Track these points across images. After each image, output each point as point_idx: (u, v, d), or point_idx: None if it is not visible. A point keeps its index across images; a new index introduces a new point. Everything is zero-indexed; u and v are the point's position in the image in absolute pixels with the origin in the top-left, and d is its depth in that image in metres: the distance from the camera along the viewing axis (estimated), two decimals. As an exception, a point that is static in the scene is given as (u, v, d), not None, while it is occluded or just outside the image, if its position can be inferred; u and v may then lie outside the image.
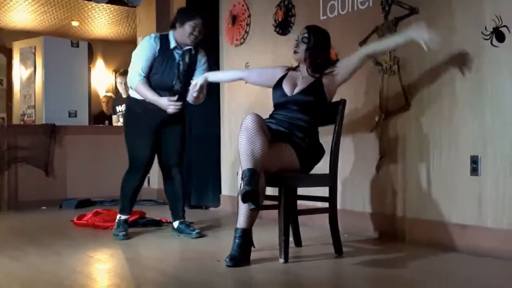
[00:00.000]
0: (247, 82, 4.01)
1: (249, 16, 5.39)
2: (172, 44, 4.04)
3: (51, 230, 4.65)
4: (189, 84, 3.96)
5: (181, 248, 3.90)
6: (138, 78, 3.96)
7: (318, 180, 3.53)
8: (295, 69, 3.62)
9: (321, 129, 3.60)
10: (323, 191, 3.49)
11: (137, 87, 3.96)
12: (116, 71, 8.62)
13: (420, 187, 3.76)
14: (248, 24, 5.40)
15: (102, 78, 9.39)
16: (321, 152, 3.45)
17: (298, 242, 3.68)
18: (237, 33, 5.53)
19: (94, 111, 8.20)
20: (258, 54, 5.28)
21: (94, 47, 8.50)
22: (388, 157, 3.98)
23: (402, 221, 3.87)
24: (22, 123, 6.99)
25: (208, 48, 5.78)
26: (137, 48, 4.16)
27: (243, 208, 3.08)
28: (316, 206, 3.85)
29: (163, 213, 5.24)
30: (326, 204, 3.47)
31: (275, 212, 3.29)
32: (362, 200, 4.17)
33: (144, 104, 4.03)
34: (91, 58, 8.03)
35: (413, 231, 3.79)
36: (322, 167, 3.50)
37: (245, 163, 3.02)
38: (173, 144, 4.21)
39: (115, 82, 8.58)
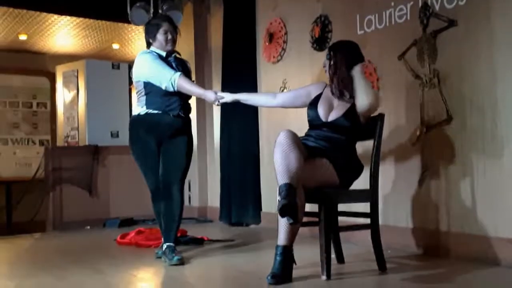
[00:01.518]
0: (279, 107, 4.03)
1: (285, 33, 5.42)
2: (163, 53, 4.01)
3: (95, 249, 4.72)
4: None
5: (223, 266, 3.91)
6: (175, 74, 3.83)
7: (359, 196, 3.50)
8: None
9: (361, 144, 3.58)
10: (365, 207, 3.46)
11: (179, 83, 3.81)
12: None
13: (464, 201, 3.69)
14: (285, 41, 5.43)
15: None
16: (360, 167, 3.41)
17: (340, 259, 3.65)
18: (274, 51, 5.57)
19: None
20: (295, 71, 5.30)
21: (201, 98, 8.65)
22: (431, 171, 3.92)
23: (446, 236, 3.80)
24: (66, 144, 7.14)
25: (246, 65, 5.89)
26: (142, 63, 3.94)
27: (282, 224, 3.08)
28: (357, 222, 3.81)
29: (204, 231, 5.29)
30: (368, 220, 3.43)
31: (316, 229, 3.28)
32: (404, 215, 4.11)
33: (141, 121, 3.94)
34: (131, 79, 8.16)
35: (457, 246, 3.71)
36: (362, 182, 3.47)
37: (281, 178, 3.02)
38: (177, 160, 4.01)
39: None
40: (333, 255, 3.47)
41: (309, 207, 3.26)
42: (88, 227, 6.20)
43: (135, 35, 7.91)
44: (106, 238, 5.27)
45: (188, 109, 4.09)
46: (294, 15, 5.32)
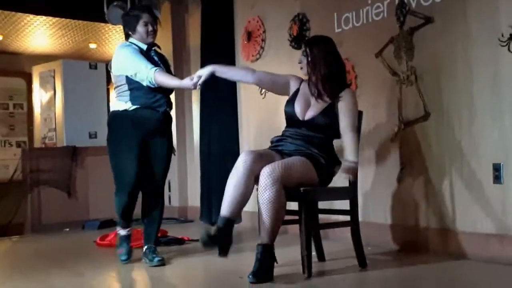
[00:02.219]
0: (256, 85, 3.97)
1: (264, 31, 5.43)
2: (143, 46, 3.88)
3: (75, 251, 4.69)
4: None
5: (204, 266, 3.91)
6: (150, 71, 3.69)
7: (339, 193, 3.53)
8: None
9: (339, 141, 3.60)
10: (344, 204, 3.48)
11: (157, 80, 3.69)
12: (134, 91, 8.73)
13: (443, 197, 3.73)
14: (263, 40, 5.43)
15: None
16: (338, 165, 3.41)
17: (321, 257, 3.67)
18: (252, 49, 5.56)
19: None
20: (274, 69, 5.25)
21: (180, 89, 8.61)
22: (409, 167, 3.96)
23: (425, 232, 3.84)
24: (43, 146, 7.09)
25: (223, 64, 5.85)
26: (122, 57, 3.82)
27: (264, 224, 3.09)
28: (337, 219, 3.84)
29: (185, 231, 5.28)
30: (347, 217, 3.45)
31: (296, 227, 3.29)
32: (383, 211, 4.15)
33: (127, 116, 3.80)
34: (108, 78, 8.13)
35: (436, 242, 3.75)
36: (341, 179, 3.49)
37: (224, 209, 3.13)
38: (163, 162, 3.96)
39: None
40: (314, 253, 3.49)
41: (291, 205, 3.26)
42: (67, 229, 6.15)
43: (112, 35, 7.86)
44: (86, 240, 5.24)
45: (171, 104, 4.03)
46: (272, 13, 5.32)
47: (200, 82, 3.56)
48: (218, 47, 5.96)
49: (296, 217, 3.28)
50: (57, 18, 7.04)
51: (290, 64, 5.06)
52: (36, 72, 7.59)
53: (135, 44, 3.88)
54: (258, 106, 5.49)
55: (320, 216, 3.60)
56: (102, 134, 7.16)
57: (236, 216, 3.14)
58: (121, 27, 6.92)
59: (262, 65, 5.45)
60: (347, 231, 3.46)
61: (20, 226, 6.30)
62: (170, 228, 5.37)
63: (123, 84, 3.83)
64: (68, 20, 7.09)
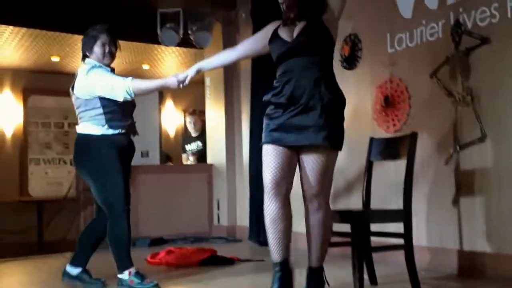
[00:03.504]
0: (242, 58, 3.59)
1: (315, 52, 5.42)
2: (107, 69, 3.76)
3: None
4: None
5: (254, 284, 3.88)
6: (126, 80, 3.58)
7: (392, 216, 3.45)
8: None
9: (393, 164, 3.54)
10: (397, 227, 3.41)
11: (135, 87, 3.57)
12: (185, 111, 8.84)
13: (499, 221, 3.62)
14: (314, 60, 5.42)
15: (172, 118, 9.62)
16: (344, 102, 3.05)
17: (373, 280, 3.59)
18: (303, 70, 5.56)
19: (167, 149, 8.41)
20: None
21: (164, 88, 8.75)
22: (465, 190, 3.86)
23: (481, 257, 3.72)
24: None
25: (272, 85, 5.88)
26: (94, 77, 3.65)
27: (317, 247, 3.05)
28: (390, 242, 3.76)
29: (234, 250, 5.27)
30: (400, 240, 3.38)
31: (348, 249, 3.24)
32: (438, 235, 4.05)
33: (108, 140, 3.66)
34: (161, 99, 8.27)
35: (493, 267, 3.63)
36: (395, 202, 3.43)
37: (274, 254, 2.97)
38: (129, 181, 3.84)
39: (184, 122, 8.77)
40: (365, 276, 3.42)
41: (341, 227, 3.22)
42: (119, 246, 6.21)
43: (165, 56, 8.00)
44: (137, 257, 5.26)
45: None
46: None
47: (186, 81, 3.41)
48: (269, 67, 5.96)
49: (348, 239, 3.23)
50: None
51: (342, 84, 5.01)
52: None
53: (99, 66, 3.73)
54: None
55: (373, 238, 3.53)
56: (153, 153, 7.29)
57: (288, 254, 2.99)
58: (174, 48, 7.06)
59: (313, 85, 5.45)
60: (399, 254, 3.39)
61: (73, 243, 6.40)
62: (219, 247, 5.38)
63: (96, 108, 3.65)
64: (123, 42, 7.25)
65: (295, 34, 3.02)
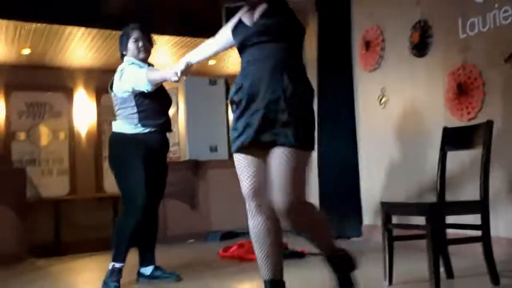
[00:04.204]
0: (221, 50, 3.12)
1: (383, 40, 5.33)
2: (144, 65, 3.83)
3: (200, 262, 4.81)
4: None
5: (324, 280, 3.87)
6: (144, 70, 3.68)
7: (469, 207, 3.35)
8: None
9: (469, 153, 3.43)
10: (473, 218, 3.31)
11: (149, 76, 3.60)
12: (252, 105, 8.87)
13: None
14: (382, 49, 5.33)
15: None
16: (312, 95, 2.65)
17: (449, 273, 3.50)
18: (371, 59, 5.48)
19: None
20: (394, 78, 5.20)
21: (230, 83, 8.81)
22: (546, 179, 3.70)
23: None
24: (168, 160, 7.37)
25: (342, 74, 5.84)
26: (126, 74, 3.76)
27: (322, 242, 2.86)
28: (467, 234, 3.65)
29: (305, 244, 5.25)
30: (478, 232, 3.27)
31: (422, 242, 3.17)
32: (517, 226, 3.90)
33: (137, 140, 3.75)
34: (228, 93, 8.31)
35: None
36: (472, 192, 3.32)
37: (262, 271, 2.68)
38: (160, 180, 3.90)
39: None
40: (442, 269, 3.34)
41: (416, 220, 3.16)
42: (191, 240, 6.34)
43: (230, 50, 8.03)
44: (209, 251, 5.37)
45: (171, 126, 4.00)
46: (392, 21, 5.22)
47: (179, 74, 3.13)
48: (335, 58, 5.93)
49: (423, 232, 3.16)
50: (179, 37, 7.30)
51: (411, 73, 4.94)
52: (160, 89, 7.92)
53: (133, 63, 3.83)
54: (378, 117, 5.39)
55: (448, 230, 3.44)
56: (222, 148, 7.37)
57: (281, 273, 2.74)
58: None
59: (380, 74, 5.37)
60: (476, 246, 3.28)
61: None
62: (290, 241, 5.37)
63: (130, 106, 3.76)
64: (189, 38, 7.34)
65: (255, 17, 2.68)
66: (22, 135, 8.14)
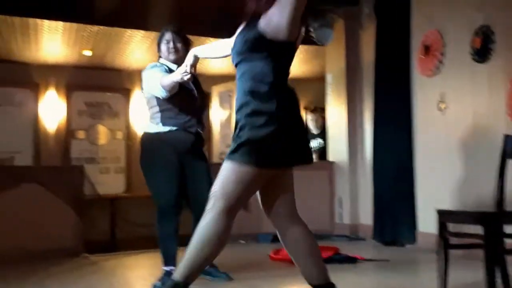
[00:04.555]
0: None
1: (443, 45, 5.23)
2: (173, 66, 3.86)
3: (250, 263, 4.85)
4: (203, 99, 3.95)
5: (377, 285, 3.83)
6: (159, 77, 3.67)
7: (529, 217, 3.25)
8: None
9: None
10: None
11: (162, 83, 3.61)
12: (306, 108, 8.85)
13: None
14: (442, 54, 5.24)
15: (293, 116, 9.68)
16: (270, 113, 2.50)
17: (506, 285, 3.40)
18: (430, 64, 5.38)
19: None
20: (454, 84, 5.10)
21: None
22: None
23: None
24: (221, 162, 7.43)
25: (399, 79, 5.77)
26: (146, 76, 3.85)
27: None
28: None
29: (357, 249, 5.22)
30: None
31: (479, 252, 3.10)
32: None
33: (160, 139, 3.79)
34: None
35: None
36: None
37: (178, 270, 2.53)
38: (200, 181, 3.84)
39: (305, 119, 8.80)
40: (498, 280, 3.25)
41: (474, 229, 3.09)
42: (243, 241, 6.38)
43: (300, 53, 8.04)
44: (260, 253, 5.39)
45: (203, 125, 3.98)
46: (452, 26, 5.12)
47: (187, 69, 3.17)
48: (393, 62, 5.87)
49: (480, 241, 3.09)
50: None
51: (472, 78, 4.84)
52: (216, 92, 8.05)
53: (165, 65, 3.89)
54: (436, 123, 5.30)
55: (507, 240, 3.34)
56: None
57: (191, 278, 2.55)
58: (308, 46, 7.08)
59: (440, 79, 5.28)
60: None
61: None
62: (342, 245, 5.35)
63: (154, 106, 3.84)
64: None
65: (236, 34, 2.72)
66: (81, 134, 8.38)
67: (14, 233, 5.23)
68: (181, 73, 3.28)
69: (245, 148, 2.49)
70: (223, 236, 2.57)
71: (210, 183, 3.73)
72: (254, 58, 2.55)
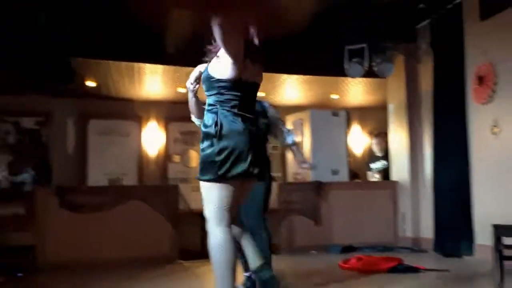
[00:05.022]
0: None
1: (495, 75, 5.07)
2: None
3: (321, 272, 4.81)
4: None
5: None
6: None
7: None
8: None
9: None
10: None
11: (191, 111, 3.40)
12: (370, 133, 8.75)
13: None
14: (495, 83, 5.08)
15: (357, 140, 9.60)
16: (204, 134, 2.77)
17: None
18: (484, 93, 5.23)
19: (355, 168, 8.40)
20: (507, 111, 4.92)
21: (351, 114, 8.79)
22: None
23: None
24: (294, 181, 7.48)
25: (455, 107, 5.63)
26: None
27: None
28: None
29: (419, 260, 5.08)
30: None
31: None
32: None
33: None
34: (348, 124, 8.32)
35: None
36: None
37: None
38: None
39: (370, 143, 8.69)
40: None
41: None
42: (314, 251, 6.35)
43: (351, 86, 8.02)
44: (330, 262, 5.35)
45: None
46: (505, 58, 4.97)
47: (191, 80, 3.13)
48: (450, 91, 5.75)
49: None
50: (306, 76, 7.42)
51: None
52: (289, 121, 8.09)
53: None
54: (490, 145, 5.13)
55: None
56: (342, 171, 7.35)
57: None
58: (359, 79, 7.08)
59: (493, 107, 5.13)
60: None
61: (277, 247, 6.67)
62: (405, 256, 5.22)
63: None
64: (314, 76, 7.43)
65: None
66: (176, 158, 8.64)
67: (122, 241, 5.47)
68: (190, 91, 3.17)
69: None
70: (225, 246, 2.66)
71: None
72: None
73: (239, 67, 2.64)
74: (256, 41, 2.74)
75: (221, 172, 2.60)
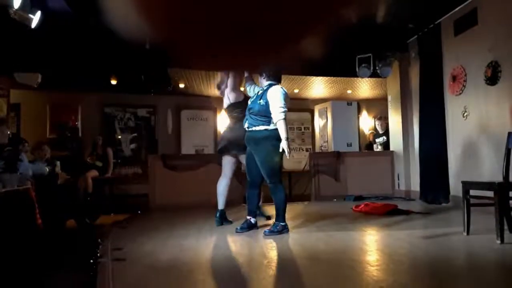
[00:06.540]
0: None
1: (465, 75, 4.92)
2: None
3: (339, 214, 4.82)
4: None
5: (423, 226, 3.74)
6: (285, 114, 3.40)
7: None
8: None
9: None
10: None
11: (283, 121, 3.39)
12: (375, 117, 8.62)
13: None
14: (465, 80, 4.93)
15: (366, 122, 9.47)
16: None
17: (511, 230, 3.20)
18: (456, 87, 5.09)
19: (363, 142, 8.34)
20: (473, 100, 4.79)
21: (360, 104, 8.68)
22: None
23: None
24: (321, 151, 7.50)
25: (436, 98, 5.49)
26: (280, 94, 3.45)
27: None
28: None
29: (409, 206, 5.07)
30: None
31: (492, 208, 2.95)
32: None
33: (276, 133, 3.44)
34: (359, 111, 8.22)
35: None
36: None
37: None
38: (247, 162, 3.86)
39: (374, 124, 8.59)
40: (505, 227, 3.07)
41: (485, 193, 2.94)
42: (335, 200, 6.41)
43: (361, 83, 7.92)
44: (346, 207, 5.41)
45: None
46: (471, 62, 4.80)
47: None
48: (432, 87, 5.60)
49: (492, 202, 2.94)
50: (328, 77, 7.38)
51: (485, 97, 4.52)
52: (317, 109, 8.10)
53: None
54: (461, 125, 5.01)
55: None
56: (354, 144, 7.32)
57: None
58: (367, 78, 6.95)
59: (463, 97, 4.98)
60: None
61: (308, 196, 6.79)
62: (399, 203, 5.22)
63: (269, 112, 3.47)
64: (334, 77, 7.39)
65: None
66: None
67: (204, 191, 5.65)
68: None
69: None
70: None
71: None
72: None
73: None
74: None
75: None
